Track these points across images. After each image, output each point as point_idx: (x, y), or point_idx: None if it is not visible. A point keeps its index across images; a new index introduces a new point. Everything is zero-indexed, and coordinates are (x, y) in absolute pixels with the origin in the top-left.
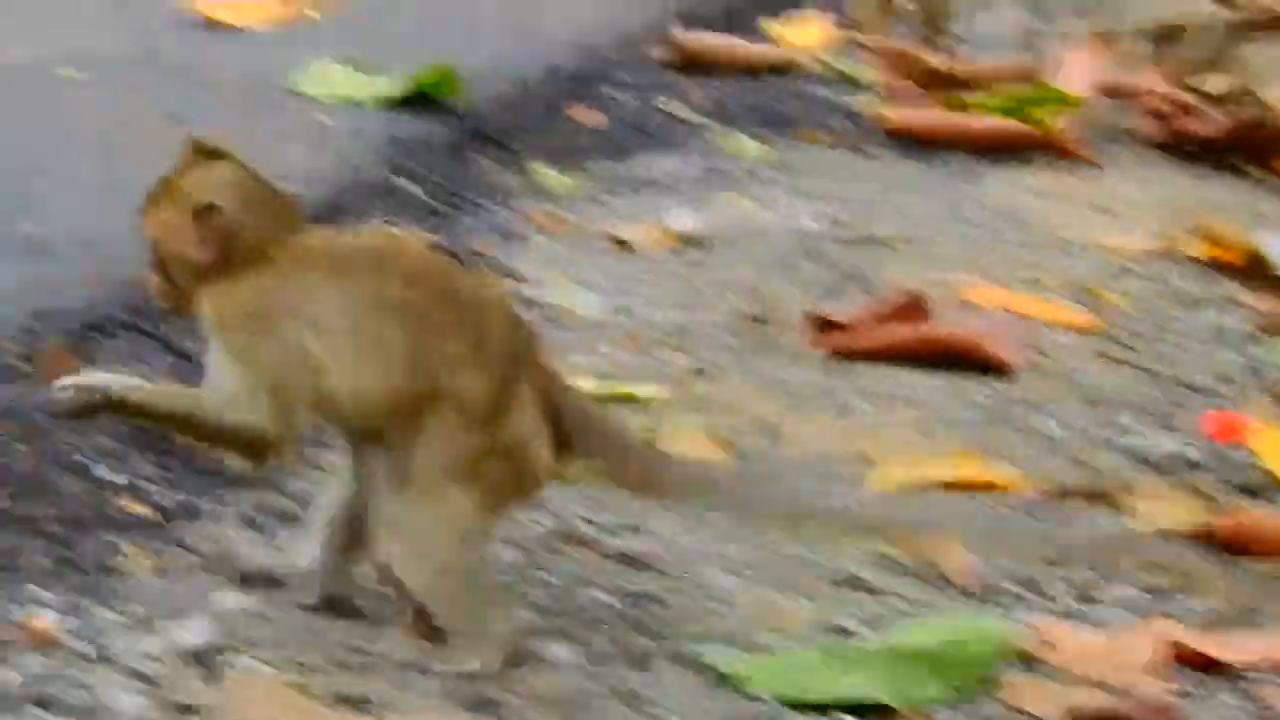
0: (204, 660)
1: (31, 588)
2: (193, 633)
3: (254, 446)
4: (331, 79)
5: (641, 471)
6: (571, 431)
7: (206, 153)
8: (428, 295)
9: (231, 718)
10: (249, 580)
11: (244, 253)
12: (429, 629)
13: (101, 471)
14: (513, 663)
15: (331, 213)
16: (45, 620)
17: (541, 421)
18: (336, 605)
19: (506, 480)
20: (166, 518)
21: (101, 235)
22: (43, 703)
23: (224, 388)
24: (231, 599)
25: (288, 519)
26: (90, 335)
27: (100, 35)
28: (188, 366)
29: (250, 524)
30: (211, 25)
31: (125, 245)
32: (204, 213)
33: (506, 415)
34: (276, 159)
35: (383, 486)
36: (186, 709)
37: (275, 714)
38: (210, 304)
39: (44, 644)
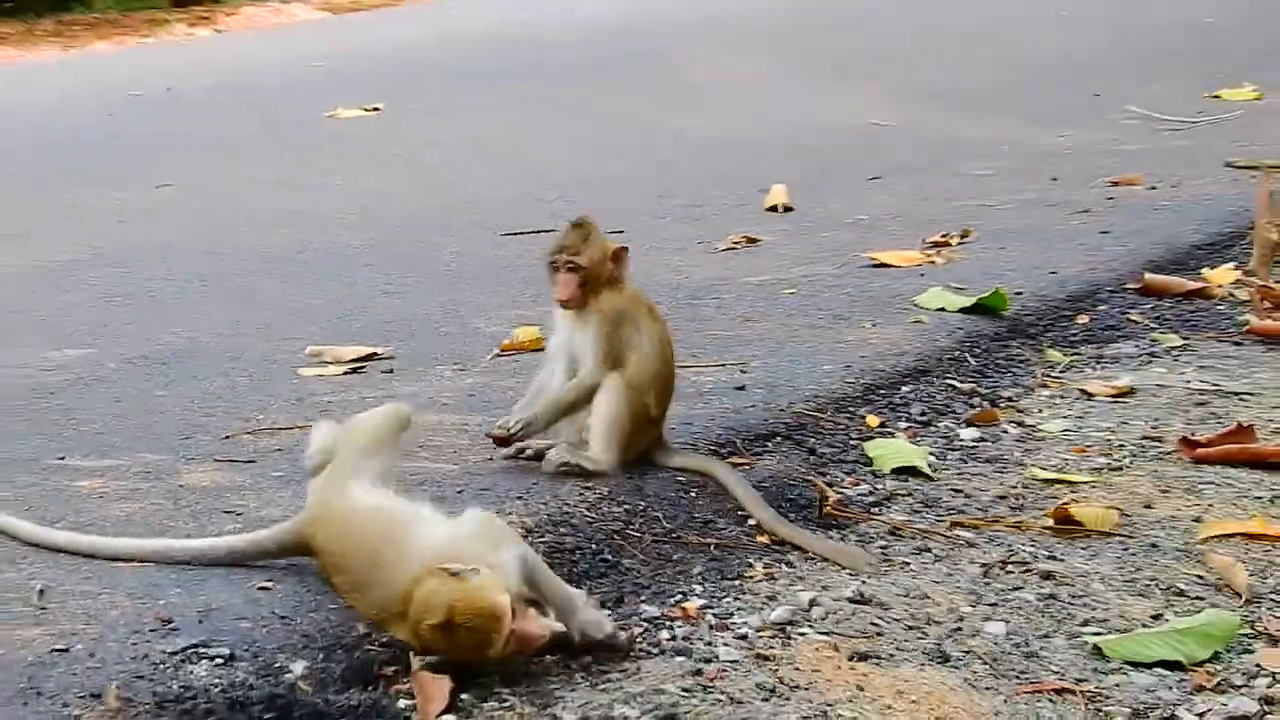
0: (782, 630)
1: (691, 584)
2: (778, 613)
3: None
4: (935, 298)
5: None
6: None
7: (587, 224)
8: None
9: (790, 665)
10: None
11: (625, 275)
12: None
13: (738, 517)
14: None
15: (910, 375)
16: (694, 604)
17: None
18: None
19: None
20: (780, 543)
21: (778, 382)
22: (682, 652)
23: (584, 383)
24: (803, 596)
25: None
26: (758, 441)
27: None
28: (816, 460)
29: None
30: (880, 265)
31: (789, 387)
32: (619, 252)
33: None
34: (884, 340)
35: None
36: (764, 658)
37: (817, 664)
38: (599, 304)
39: (690, 618)
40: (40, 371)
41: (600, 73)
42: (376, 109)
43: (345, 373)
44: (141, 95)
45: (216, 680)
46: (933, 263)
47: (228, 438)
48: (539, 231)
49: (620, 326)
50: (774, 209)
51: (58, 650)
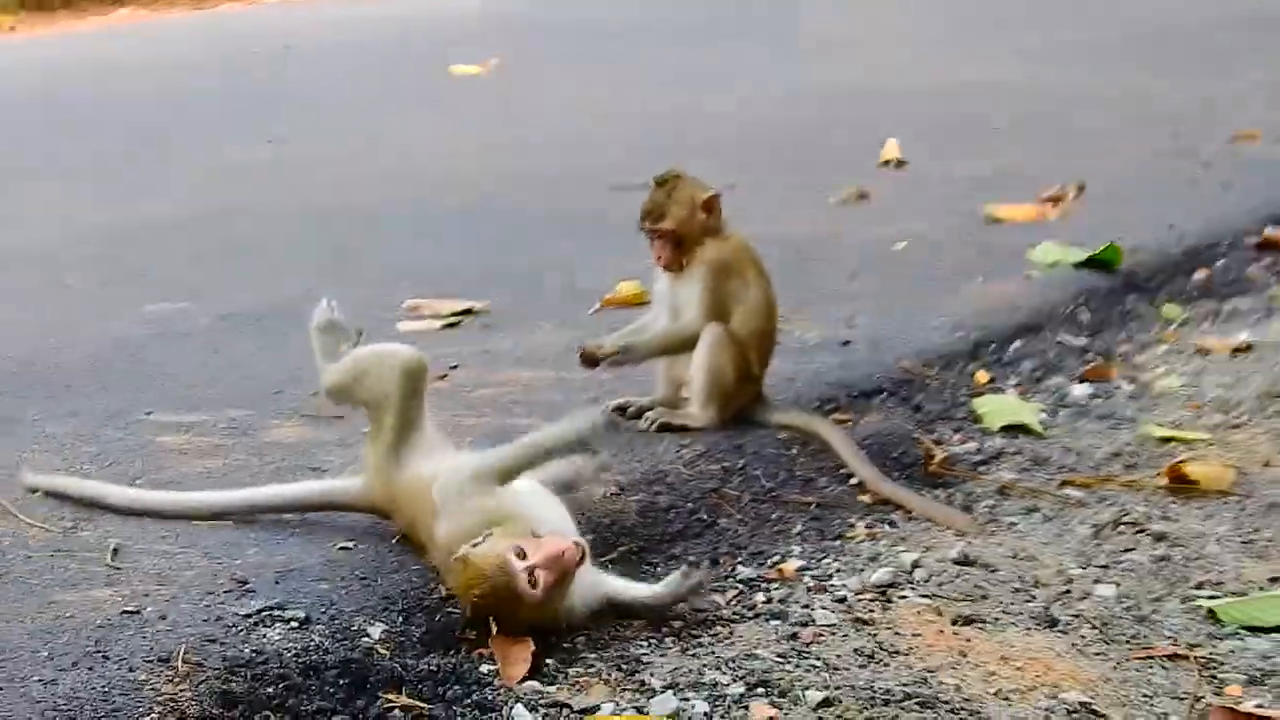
0: (883, 592)
1: (789, 545)
2: (878, 575)
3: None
4: (1049, 252)
5: None
6: None
7: (673, 177)
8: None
9: (890, 629)
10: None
11: (722, 223)
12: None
13: (840, 475)
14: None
15: (1021, 331)
16: (792, 566)
17: None
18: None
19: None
20: (883, 502)
21: (885, 337)
22: (777, 616)
23: (686, 328)
24: (905, 557)
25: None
26: (862, 397)
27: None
28: (922, 417)
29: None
30: (993, 221)
31: (897, 343)
32: (711, 201)
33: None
34: (996, 295)
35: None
36: (863, 622)
37: (918, 628)
38: (702, 256)
39: (787, 580)
40: (134, 326)
41: (718, 26)
42: (490, 65)
43: (442, 327)
44: (258, 53)
45: (290, 644)
46: (1047, 217)
47: (316, 394)
48: (646, 185)
49: (725, 279)
50: (888, 163)
51: (128, 612)
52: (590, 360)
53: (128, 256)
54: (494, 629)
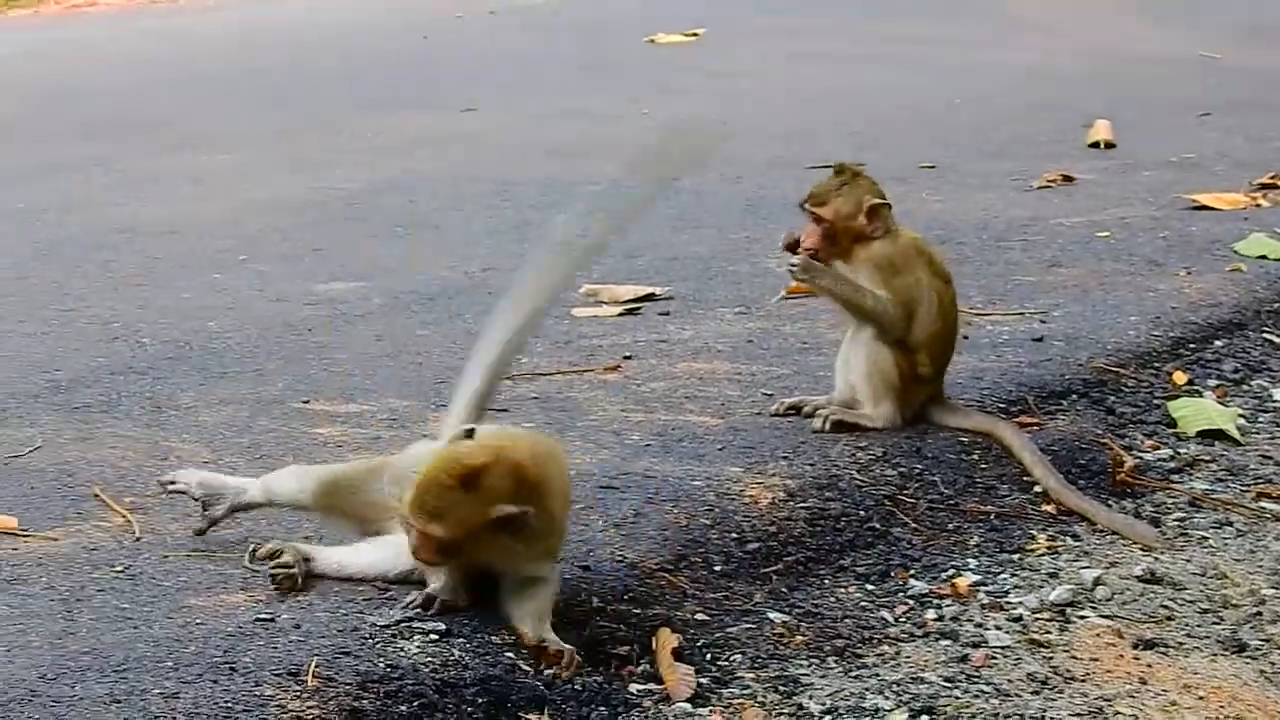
0: (1061, 612)
1: (965, 558)
2: (1058, 593)
3: (878, 322)
4: (1257, 245)
5: None
6: None
7: (852, 173)
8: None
9: (1066, 653)
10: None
11: (884, 231)
12: None
13: (1022, 483)
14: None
15: (1224, 329)
16: (967, 581)
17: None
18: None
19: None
20: (1068, 513)
21: (1079, 334)
22: (948, 635)
23: (873, 293)
24: (1088, 574)
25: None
26: (1052, 398)
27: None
28: (1114, 421)
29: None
30: (1200, 208)
31: (1091, 339)
32: (878, 208)
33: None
34: (1198, 289)
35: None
36: (1039, 644)
37: (1096, 652)
38: (865, 257)
39: (961, 596)
40: (303, 306)
41: (924, 5)
42: (697, 34)
43: (620, 314)
44: (462, 18)
45: (428, 658)
46: (1258, 206)
47: None
48: (842, 164)
49: (894, 274)
50: (1095, 145)
51: (261, 620)
52: (791, 246)
53: (303, 231)
54: (657, 646)
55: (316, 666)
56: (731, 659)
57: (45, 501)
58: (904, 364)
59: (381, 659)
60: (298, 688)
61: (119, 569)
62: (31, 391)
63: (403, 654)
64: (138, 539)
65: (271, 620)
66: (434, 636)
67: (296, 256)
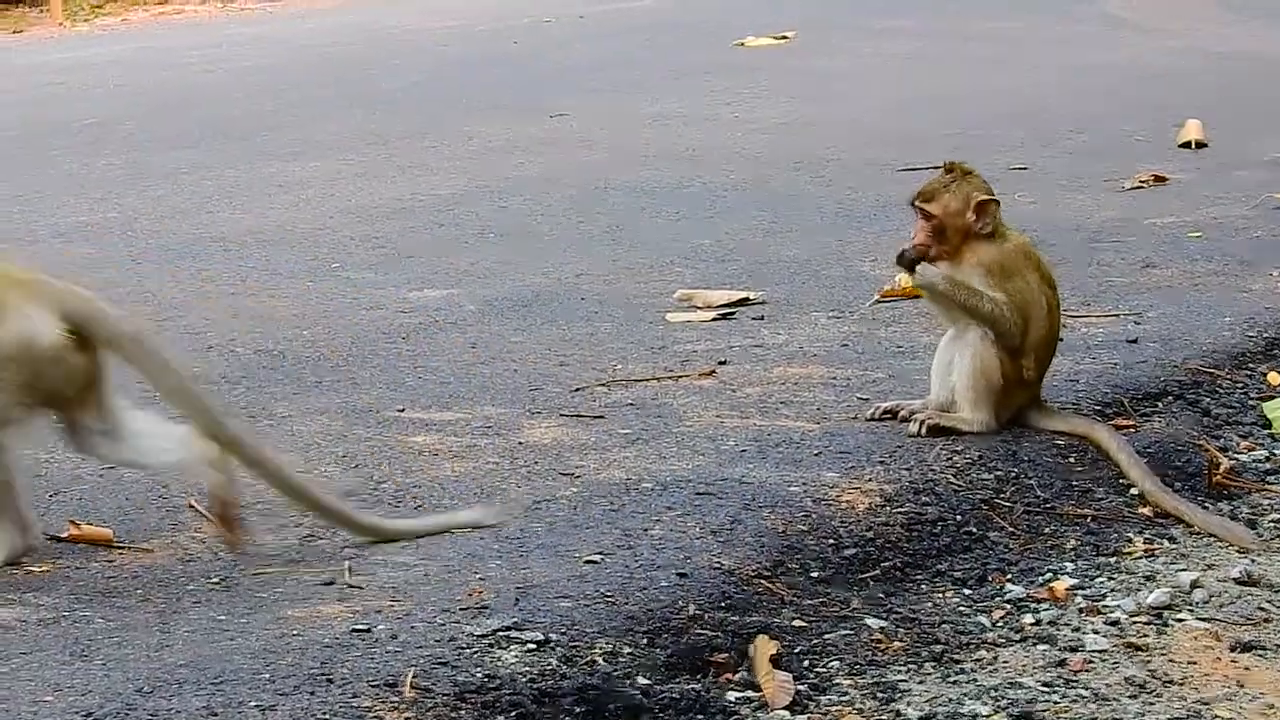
0: (1159, 615)
1: (1062, 562)
2: (1155, 596)
3: (994, 325)
4: None
5: None
6: None
7: (962, 171)
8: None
9: (1164, 656)
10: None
11: (994, 229)
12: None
13: (1119, 486)
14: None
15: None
16: (1064, 585)
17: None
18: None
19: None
20: (1164, 515)
21: (1173, 335)
22: (1045, 639)
23: (990, 296)
24: (1184, 576)
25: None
26: (1147, 400)
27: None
28: (1209, 422)
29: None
30: None
31: (1186, 341)
32: (986, 203)
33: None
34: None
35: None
36: (1136, 648)
37: (1194, 655)
38: (976, 260)
39: (1058, 600)
40: (397, 313)
41: (1018, 4)
42: (786, 38)
43: (714, 319)
44: (552, 22)
45: (526, 668)
46: None
47: (578, 390)
48: (937, 168)
49: (1006, 278)
50: (1187, 145)
51: (358, 631)
52: (903, 261)
53: (396, 238)
54: (755, 653)
55: (414, 677)
56: (829, 665)
57: (140, 514)
58: (1009, 368)
59: (479, 669)
60: (395, 699)
61: (214, 581)
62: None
63: (500, 663)
64: (234, 550)
65: (368, 631)
66: (531, 646)
67: (389, 264)
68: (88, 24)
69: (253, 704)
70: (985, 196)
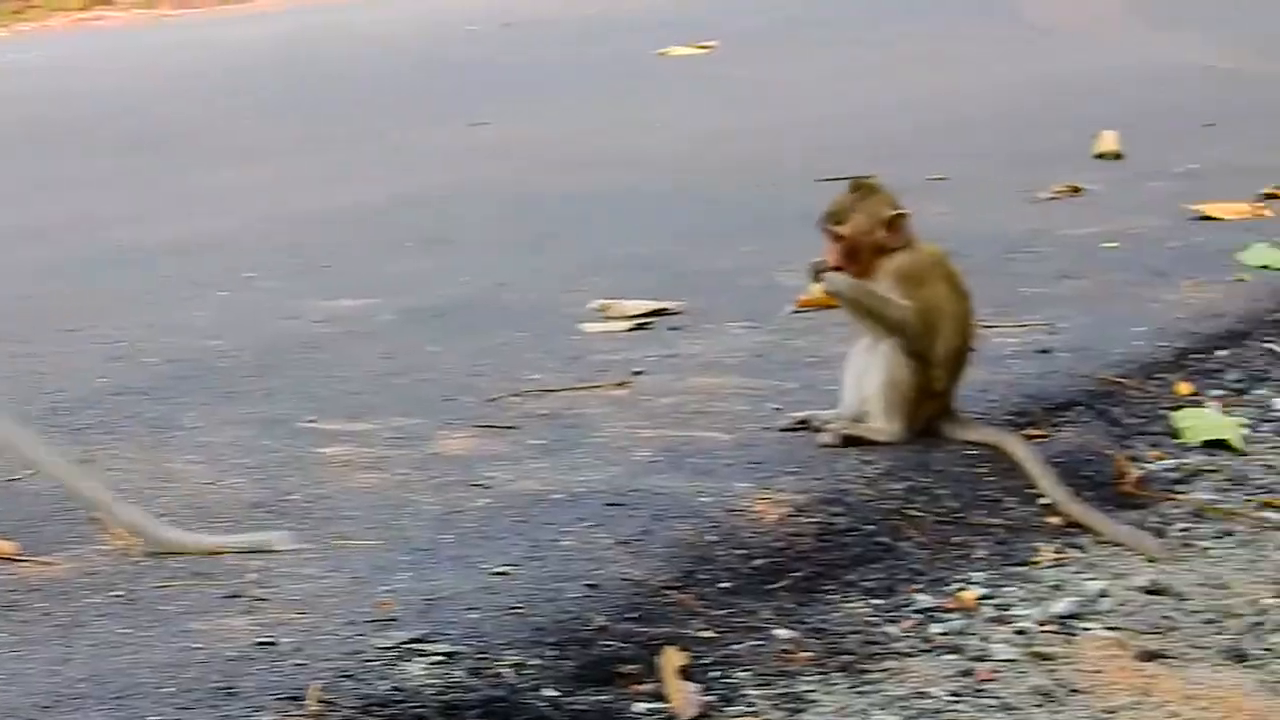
0: (1066, 624)
1: (971, 571)
2: (1062, 605)
3: (902, 333)
4: (1260, 255)
5: None
6: None
7: (869, 188)
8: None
9: (1070, 664)
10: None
11: (904, 242)
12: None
13: (1028, 495)
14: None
15: (1226, 339)
16: (972, 594)
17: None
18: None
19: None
20: (1074, 525)
21: (1086, 345)
22: (953, 649)
23: (898, 303)
24: (1091, 585)
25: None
26: (1058, 410)
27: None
28: (1119, 432)
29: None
30: (1205, 218)
31: (1097, 351)
32: (895, 220)
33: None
34: (1202, 299)
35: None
36: (1043, 656)
37: (1100, 664)
38: (887, 270)
39: (967, 609)
40: (312, 323)
41: (934, 14)
42: (708, 47)
43: (630, 329)
44: (475, 30)
45: (432, 680)
46: (1262, 216)
47: (492, 400)
48: (855, 178)
49: (916, 286)
50: (1102, 156)
51: (262, 644)
52: (815, 273)
53: (313, 247)
54: (663, 664)
55: (319, 690)
56: (737, 676)
57: (44, 525)
58: (921, 378)
59: (385, 681)
60: (299, 712)
61: (117, 594)
62: (32, 413)
63: (406, 676)
64: (138, 563)
65: (273, 644)
66: (438, 658)
67: (306, 273)
68: (6, 29)
69: (154, 717)
70: (894, 211)
